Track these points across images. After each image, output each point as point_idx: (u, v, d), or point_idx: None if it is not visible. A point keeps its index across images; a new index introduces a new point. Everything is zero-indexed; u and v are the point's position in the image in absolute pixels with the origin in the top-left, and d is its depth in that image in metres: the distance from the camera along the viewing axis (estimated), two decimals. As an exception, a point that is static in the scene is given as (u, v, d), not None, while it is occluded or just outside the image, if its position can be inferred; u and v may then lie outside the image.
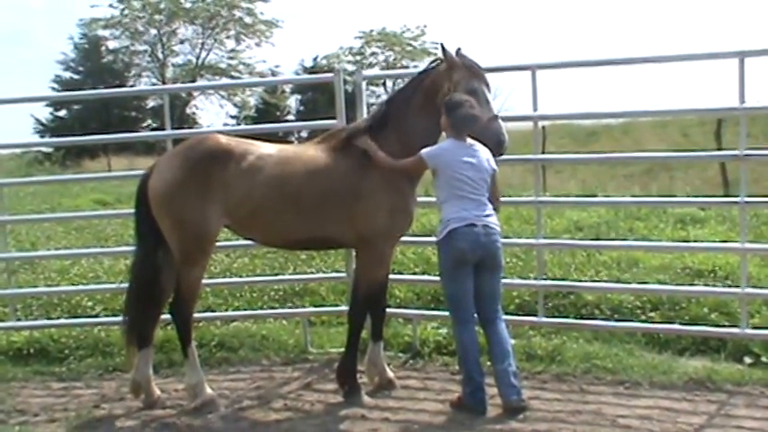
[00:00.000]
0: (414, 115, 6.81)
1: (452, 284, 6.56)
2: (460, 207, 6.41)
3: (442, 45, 6.81)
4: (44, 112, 54.52)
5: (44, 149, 46.25)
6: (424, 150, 6.52)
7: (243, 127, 29.85)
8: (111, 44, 58.48)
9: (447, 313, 7.22)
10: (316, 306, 9.69)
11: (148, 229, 6.85)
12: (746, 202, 7.40)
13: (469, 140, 6.54)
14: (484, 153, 6.54)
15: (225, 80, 57.53)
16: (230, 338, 8.68)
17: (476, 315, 6.66)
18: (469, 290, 6.53)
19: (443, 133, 6.76)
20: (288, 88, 56.41)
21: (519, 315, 8.52)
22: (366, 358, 7.25)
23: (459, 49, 6.83)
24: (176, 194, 6.54)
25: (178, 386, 7.38)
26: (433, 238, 8.38)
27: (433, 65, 6.99)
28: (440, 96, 6.66)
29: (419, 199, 7.49)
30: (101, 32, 57.40)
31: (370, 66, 56.93)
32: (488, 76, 6.79)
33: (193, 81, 54.82)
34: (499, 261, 6.61)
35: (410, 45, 58.69)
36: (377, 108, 7.21)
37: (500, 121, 6.64)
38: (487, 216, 6.46)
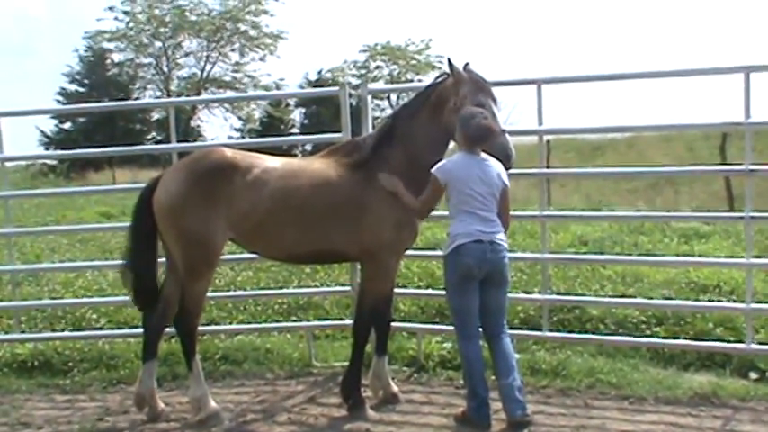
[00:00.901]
0: (420, 130, 6.80)
1: (458, 299, 6.54)
2: (468, 222, 6.38)
3: (449, 59, 6.80)
4: (49, 125, 54.72)
5: (49, 162, 46.24)
6: (434, 168, 6.50)
7: (247, 140, 29.80)
8: (117, 57, 58.66)
9: (452, 327, 7.21)
10: (320, 320, 9.69)
11: (144, 240, 6.90)
12: (752, 217, 7.38)
13: (482, 155, 6.52)
14: (496, 167, 6.50)
15: (229, 93, 57.58)
16: (234, 352, 8.67)
17: (481, 330, 6.65)
18: (475, 305, 6.51)
19: (450, 147, 6.76)
20: (292, 102, 56.47)
21: (523, 329, 8.52)
22: (370, 372, 7.24)
23: (467, 63, 6.82)
24: (182, 207, 6.54)
25: (182, 399, 7.39)
26: (437, 252, 8.39)
27: (440, 79, 6.99)
28: (446, 111, 6.66)
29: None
30: (106, 45, 57.59)
31: (375, 79, 56.96)
32: (494, 90, 6.78)
33: (198, 94, 54.86)
34: (505, 276, 6.59)
35: (415, 59, 58.70)
36: (383, 122, 7.22)
37: (507, 135, 6.62)
38: (494, 233, 6.43)
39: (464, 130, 6.45)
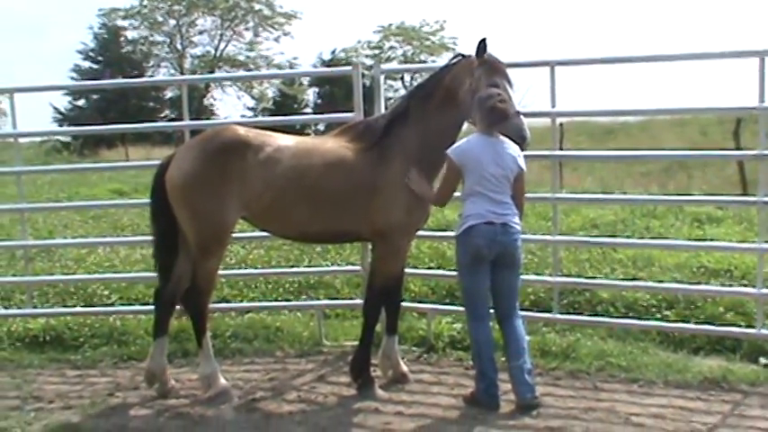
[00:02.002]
0: (434, 111, 6.75)
1: (469, 280, 6.53)
2: (480, 204, 6.37)
3: (483, 41, 6.68)
4: (63, 101, 54.86)
5: (62, 138, 46.44)
6: (449, 149, 6.47)
7: (260, 119, 29.85)
8: (130, 34, 58.85)
9: (462, 308, 7.19)
10: (330, 299, 9.71)
11: (164, 219, 6.88)
12: (765, 202, 7.36)
13: (500, 137, 6.49)
14: (512, 150, 6.47)
15: (243, 72, 57.57)
16: (245, 330, 8.70)
17: (492, 311, 6.66)
18: (485, 286, 6.51)
19: (464, 128, 6.74)
20: (306, 81, 56.39)
21: (534, 311, 8.51)
22: (380, 351, 7.26)
23: (483, 39, 6.74)
24: (194, 185, 6.54)
25: (192, 376, 7.42)
26: (448, 233, 8.39)
27: (455, 60, 6.95)
28: (461, 92, 6.64)
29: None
30: (120, 22, 57.74)
31: (389, 60, 56.96)
32: (509, 71, 6.75)
33: (212, 72, 54.85)
34: (517, 259, 6.56)
35: (429, 40, 58.63)
36: (396, 103, 7.19)
37: (522, 117, 6.59)
38: (507, 215, 6.39)
39: (481, 111, 6.42)
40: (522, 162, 6.51)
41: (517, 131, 6.51)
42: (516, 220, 6.48)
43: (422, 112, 6.78)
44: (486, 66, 6.60)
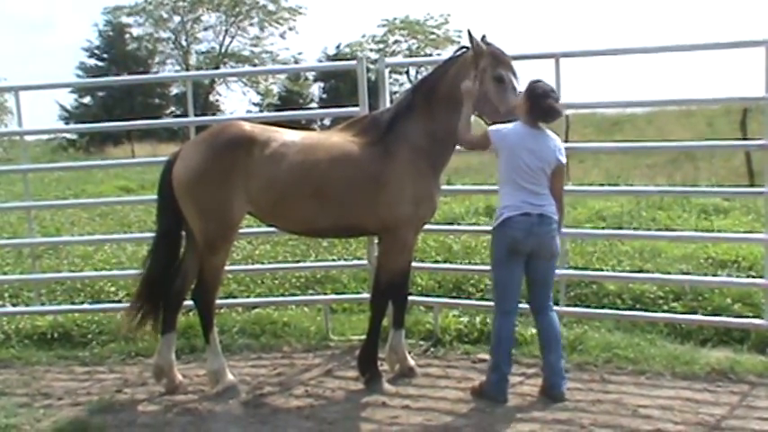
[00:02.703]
0: (439, 104, 6.73)
1: (502, 273, 6.49)
2: (515, 195, 6.31)
3: (468, 31, 6.72)
4: (69, 99, 55.01)
5: (68, 136, 46.53)
6: (491, 128, 6.40)
7: (266, 114, 29.85)
8: (136, 31, 58.90)
9: (468, 302, 7.20)
10: (337, 293, 9.72)
11: (169, 215, 6.88)
12: (772, 193, 7.34)
13: (544, 129, 6.47)
14: (554, 143, 6.43)
15: (248, 67, 57.57)
16: (252, 325, 8.71)
17: (527, 304, 6.73)
18: (518, 280, 6.50)
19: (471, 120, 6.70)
20: (311, 76, 56.38)
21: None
22: (387, 345, 7.26)
23: (483, 36, 6.75)
24: (200, 181, 6.54)
25: (200, 372, 7.42)
26: (454, 227, 8.40)
27: (459, 52, 6.93)
28: (467, 86, 6.61)
29: (442, 188, 7.44)
30: (125, 20, 57.78)
31: (393, 54, 56.89)
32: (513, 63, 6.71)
33: (217, 68, 54.78)
34: (554, 251, 6.50)
35: (433, 33, 58.55)
36: (402, 96, 7.17)
37: None
38: (543, 206, 6.33)
39: (533, 103, 6.34)
40: (562, 156, 6.44)
41: None
42: (553, 210, 6.40)
43: (427, 106, 6.75)
44: (490, 57, 6.57)
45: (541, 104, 6.31)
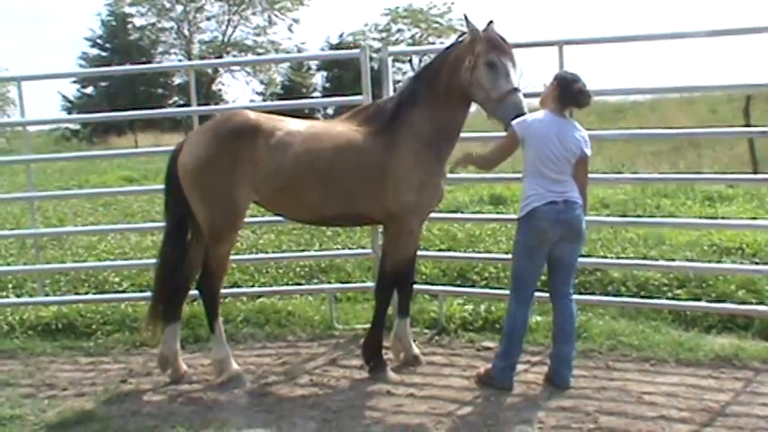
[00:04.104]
0: (441, 91, 6.69)
1: (524, 262, 6.48)
2: (540, 184, 6.28)
3: (465, 16, 6.70)
4: (71, 89, 55.02)
5: (71, 126, 46.57)
6: (515, 121, 6.31)
7: (269, 103, 29.82)
8: (138, 21, 58.77)
9: (472, 290, 7.18)
10: (341, 282, 9.73)
11: (177, 205, 6.88)
12: (775, 180, 7.34)
13: (570, 118, 6.49)
14: (579, 133, 6.40)
15: (251, 56, 57.49)
16: (256, 314, 8.71)
17: (543, 292, 6.77)
18: (539, 271, 6.52)
19: (472, 109, 6.68)
20: (314, 65, 56.32)
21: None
22: (392, 334, 7.27)
23: (491, 21, 6.68)
24: (206, 170, 6.54)
25: (204, 361, 7.43)
26: (459, 215, 8.37)
27: (460, 39, 6.91)
28: (463, 69, 6.58)
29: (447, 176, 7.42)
30: (128, 9, 57.65)
31: (396, 42, 56.71)
32: (515, 51, 6.66)
33: (220, 58, 54.71)
34: (581, 234, 6.46)
35: (437, 22, 58.35)
36: (405, 85, 7.14)
37: (520, 94, 6.43)
38: (567, 192, 6.30)
39: (563, 89, 6.37)
40: (587, 147, 6.41)
41: (513, 108, 6.34)
42: (576, 195, 6.36)
43: (429, 93, 6.72)
44: (485, 43, 6.52)
45: (572, 89, 6.33)
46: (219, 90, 59.11)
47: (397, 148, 6.61)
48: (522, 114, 6.29)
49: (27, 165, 9.28)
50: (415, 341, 7.46)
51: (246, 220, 7.44)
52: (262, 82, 59.15)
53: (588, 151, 6.42)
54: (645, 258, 9.76)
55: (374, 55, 8.68)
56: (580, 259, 7.10)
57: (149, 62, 51.23)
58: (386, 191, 6.61)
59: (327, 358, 7.58)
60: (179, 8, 58.18)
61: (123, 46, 55.81)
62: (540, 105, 6.56)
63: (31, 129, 9.48)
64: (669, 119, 27.16)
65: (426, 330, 8.19)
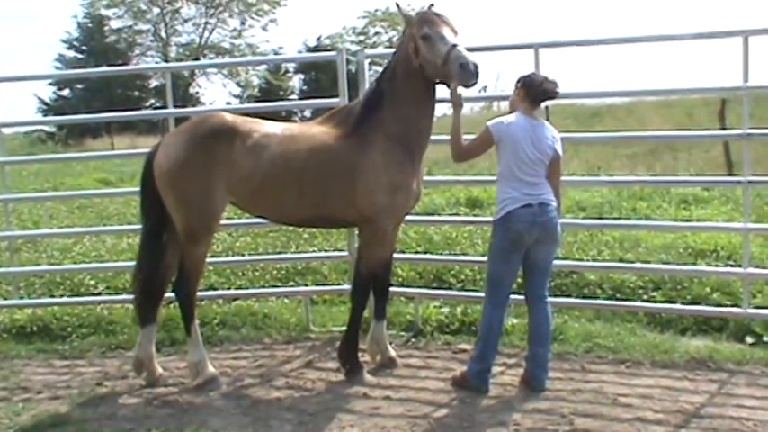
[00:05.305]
0: (401, 86, 6.69)
1: (500, 265, 6.49)
2: (515, 187, 6.31)
3: (397, 4, 6.78)
4: (47, 92, 54.61)
5: (47, 129, 46.21)
6: (490, 122, 6.41)
7: (246, 106, 29.74)
8: (115, 23, 58.45)
9: (449, 292, 7.18)
10: (318, 285, 9.71)
11: (153, 207, 6.87)
12: (749, 182, 7.39)
13: (541, 120, 6.56)
14: (551, 135, 6.46)
15: (227, 59, 57.37)
16: (232, 317, 8.71)
17: (519, 294, 6.82)
18: (514, 274, 6.54)
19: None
20: (291, 68, 56.18)
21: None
22: (368, 336, 7.28)
23: (431, 5, 6.71)
24: (181, 172, 6.55)
25: (180, 364, 7.42)
26: (435, 218, 8.37)
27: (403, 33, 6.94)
28: (411, 57, 6.56)
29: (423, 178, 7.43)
30: (104, 11, 57.36)
31: (374, 45, 56.69)
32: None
33: (197, 60, 54.55)
34: (556, 236, 6.51)
35: (414, 26, 58.31)
36: (369, 88, 7.17)
37: (460, 47, 6.31)
38: (542, 194, 6.34)
39: (528, 87, 6.45)
40: (559, 147, 6.48)
41: (455, 61, 6.24)
42: (551, 197, 6.42)
43: (392, 91, 6.73)
44: (417, 22, 6.54)
45: (536, 83, 6.45)
46: (197, 93, 58.97)
47: (368, 149, 6.64)
48: (467, 63, 6.21)
49: (1, 167, 9.22)
50: (391, 343, 7.48)
51: (223, 222, 7.43)
52: (239, 84, 59.03)
53: (560, 151, 6.49)
54: (621, 261, 9.80)
55: (351, 58, 8.69)
56: (556, 262, 7.14)
57: (126, 64, 51.02)
58: (357, 192, 6.63)
59: (303, 361, 7.58)
60: (155, 11, 57.99)
61: (100, 48, 55.51)
62: (509, 109, 6.60)
63: (6, 131, 9.42)
64: (646, 122, 27.27)
65: (402, 333, 8.20)
